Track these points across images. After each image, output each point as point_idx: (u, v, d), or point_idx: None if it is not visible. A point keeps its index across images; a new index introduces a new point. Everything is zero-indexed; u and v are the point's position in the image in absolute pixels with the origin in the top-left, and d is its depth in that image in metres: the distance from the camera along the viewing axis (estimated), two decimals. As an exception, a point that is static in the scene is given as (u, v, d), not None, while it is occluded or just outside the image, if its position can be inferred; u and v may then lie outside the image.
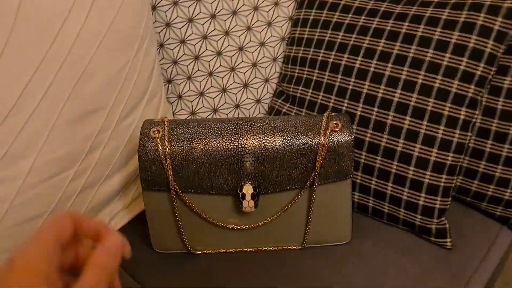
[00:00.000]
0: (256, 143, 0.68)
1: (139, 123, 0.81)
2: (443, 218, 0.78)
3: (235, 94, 0.96)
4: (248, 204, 0.69)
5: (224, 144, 0.68)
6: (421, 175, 0.76)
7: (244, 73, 0.96)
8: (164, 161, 0.68)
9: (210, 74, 0.95)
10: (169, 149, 0.68)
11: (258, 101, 0.98)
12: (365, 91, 0.80)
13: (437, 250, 0.78)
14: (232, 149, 0.68)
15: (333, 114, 0.72)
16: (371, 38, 0.81)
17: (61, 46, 0.66)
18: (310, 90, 0.87)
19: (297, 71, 0.91)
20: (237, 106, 0.97)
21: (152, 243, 0.77)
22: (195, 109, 0.96)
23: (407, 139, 0.76)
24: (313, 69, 0.87)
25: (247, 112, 0.97)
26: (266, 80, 0.98)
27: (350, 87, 0.81)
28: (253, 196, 0.68)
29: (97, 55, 0.71)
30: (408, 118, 0.76)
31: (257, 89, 0.97)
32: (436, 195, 0.76)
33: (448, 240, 0.78)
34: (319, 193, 0.71)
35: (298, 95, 0.89)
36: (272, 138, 0.69)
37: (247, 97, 0.97)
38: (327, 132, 0.68)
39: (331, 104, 0.83)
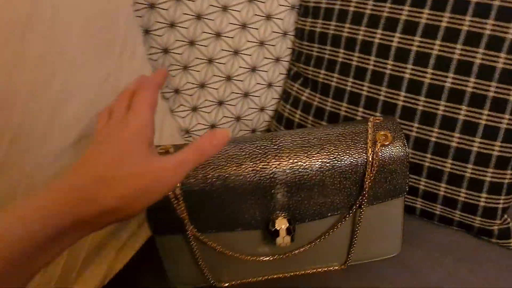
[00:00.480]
0: (288, 171, 0.55)
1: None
2: (506, 217, 0.67)
3: (242, 81, 0.80)
4: (283, 240, 0.57)
5: (248, 175, 0.55)
6: (481, 173, 0.64)
7: (251, 55, 0.79)
8: (176, 204, 0.55)
9: (210, 61, 0.78)
10: (180, 188, 0.54)
11: (269, 85, 0.83)
12: (407, 76, 0.65)
13: (501, 253, 0.68)
14: (259, 181, 0.55)
15: (378, 118, 0.58)
16: (411, 7, 0.65)
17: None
18: (336, 75, 0.72)
19: (315, 49, 0.75)
20: (245, 95, 0.82)
21: (169, 279, 0.66)
22: (196, 103, 0.81)
23: (463, 132, 0.63)
24: (337, 48, 0.72)
25: (258, 100, 0.83)
26: (277, 60, 0.82)
27: (388, 71, 0.67)
28: (288, 231, 0.56)
29: (73, 72, 0.55)
30: (464, 107, 0.63)
31: (267, 71, 0.82)
32: (499, 194, 0.65)
33: (511, 240, 0.67)
34: (367, 214, 0.58)
35: (320, 80, 0.74)
36: (306, 162, 0.55)
37: (256, 83, 0.82)
38: (376, 147, 0.55)
39: (364, 93, 0.69)
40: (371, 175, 0.55)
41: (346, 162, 0.55)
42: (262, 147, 0.56)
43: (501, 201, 0.65)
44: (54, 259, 0.35)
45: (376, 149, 0.55)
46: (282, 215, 0.56)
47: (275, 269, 0.64)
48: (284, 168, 0.55)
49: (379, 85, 0.67)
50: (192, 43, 0.77)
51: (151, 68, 0.74)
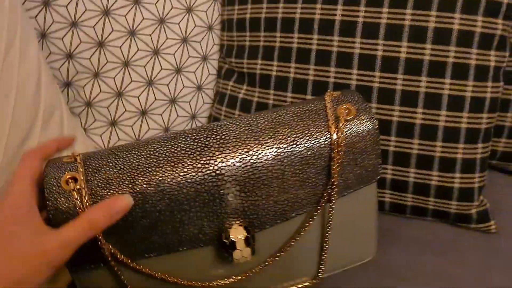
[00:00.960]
0: (237, 164, 0.44)
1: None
2: (482, 198, 0.60)
3: (167, 85, 0.69)
4: (242, 254, 0.44)
5: (188, 175, 0.43)
6: (452, 150, 0.57)
7: (173, 54, 0.68)
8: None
9: (126, 64, 0.66)
10: (90, 201, 0.41)
11: (199, 88, 0.72)
12: (357, 51, 0.57)
13: (482, 240, 0.61)
14: (203, 181, 0.43)
15: (335, 93, 0.49)
16: (350, -25, 0.58)
17: None
18: (275, 62, 0.63)
19: (248, 38, 0.66)
20: (172, 101, 0.70)
21: None
22: (115, 116, 0.67)
23: (426, 107, 0.56)
24: (272, 32, 0.63)
25: (188, 106, 0.71)
26: (204, 58, 0.71)
27: (335, 48, 0.58)
28: (247, 242, 0.44)
29: None
30: (424, 78, 0.56)
31: (194, 72, 0.71)
32: (473, 172, 0.58)
33: (492, 222, 0.60)
34: (337, 210, 0.48)
35: (258, 71, 0.64)
36: (259, 150, 0.44)
37: (183, 86, 0.70)
38: (339, 124, 0.45)
39: (310, 77, 0.60)
40: (338, 157, 0.45)
41: (306, 145, 0.45)
42: (202, 139, 0.44)
43: (476, 180, 0.58)
44: None
45: (340, 125, 0.45)
46: (237, 222, 0.44)
47: None
48: (232, 161, 0.43)
49: (326, 66, 0.59)
50: (101, 44, 0.64)
51: (50, 71, 0.60)
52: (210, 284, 0.47)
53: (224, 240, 0.44)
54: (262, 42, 0.64)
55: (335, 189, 0.45)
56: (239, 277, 0.47)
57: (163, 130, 0.70)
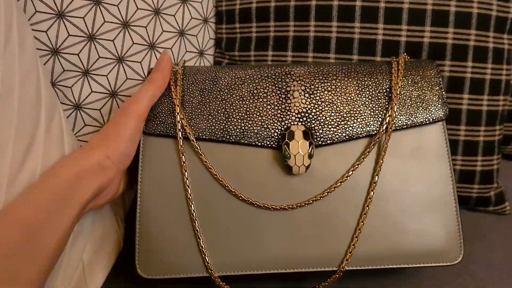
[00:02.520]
0: (305, 70, 0.47)
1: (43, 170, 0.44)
2: (498, 180, 0.62)
3: (164, 83, 0.62)
4: (299, 147, 0.43)
5: (262, 71, 0.47)
6: (474, 133, 0.57)
7: (171, 48, 0.62)
8: (174, 87, 0.47)
9: (121, 60, 0.59)
10: (182, 78, 0.48)
11: (196, 86, 0.66)
12: (356, 36, 0.56)
13: (500, 221, 0.62)
14: (274, 77, 0.47)
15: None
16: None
17: None
18: (289, 53, 0.59)
19: (254, 29, 0.62)
20: (170, 101, 0.63)
21: (137, 258, 0.45)
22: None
23: (448, 91, 0.56)
24: (285, 22, 0.59)
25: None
26: (201, 54, 0.66)
27: (333, 34, 0.57)
28: (306, 135, 0.43)
29: None
30: (447, 62, 0.56)
31: (192, 68, 0.65)
32: (493, 153, 0.59)
33: (507, 203, 0.62)
34: (397, 144, 0.45)
35: (270, 63, 0.60)
36: (327, 67, 0.48)
37: (181, 84, 0.64)
38: (400, 62, 0.47)
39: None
40: (400, 71, 0.46)
41: (369, 65, 0.48)
42: (279, 66, 0.48)
43: (495, 161, 0.59)
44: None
45: (401, 57, 0.48)
46: (300, 123, 0.45)
47: (279, 253, 0.45)
48: (303, 67, 0.47)
49: (349, 54, 0.57)
50: (92, 38, 0.56)
51: (45, 69, 0.52)
52: (256, 202, 0.44)
53: (285, 132, 0.44)
54: (273, 33, 0.60)
55: (396, 106, 0.44)
56: (287, 206, 0.44)
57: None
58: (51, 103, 0.48)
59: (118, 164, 0.44)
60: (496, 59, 0.56)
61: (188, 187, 0.45)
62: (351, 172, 0.44)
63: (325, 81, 0.46)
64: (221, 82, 0.47)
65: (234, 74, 0.47)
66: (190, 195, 0.45)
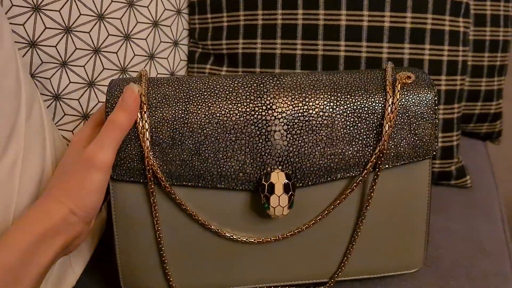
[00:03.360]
0: (289, 104, 0.43)
1: (27, 166, 0.46)
2: (458, 156, 0.66)
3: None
4: (279, 201, 0.42)
5: (240, 106, 0.43)
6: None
7: (145, 39, 0.65)
8: (141, 134, 0.42)
9: (97, 51, 0.61)
10: (149, 114, 0.43)
11: (172, 74, 0.69)
12: (343, 23, 0.59)
13: (461, 194, 0.66)
14: (253, 112, 0.43)
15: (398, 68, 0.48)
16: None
17: None
18: (259, 40, 0.62)
19: (225, 19, 0.65)
20: (147, 90, 0.66)
21: (121, 277, 0.48)
22: (86, 109, 0.62)
23: (410, 72, 0.60)
24: (254, 11, 0.62)
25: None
26: (176, 44, 0.69)
27: (321, 22, 0.60)
28: (286, 188, 0.42)
29: None
30: (406, 45, 0.59)
31: (167, 58, 0.67)
32: (452, 130, 0.63)
33: (468, 177, 0.66)
34: (383, 185, 0.45)
35: (240, 51, 0.64)
36: (313, 97, 0.44)
37: (157, 73, 0.67)
38: (396, 84, 0.44)
39: (298, 52, 0.61)
40: (391, 116, 0.43)
41: (361, 98, 0.44)
42: (260, 78, 0.45)
43: (454, 138, 0.63)
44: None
45: (398, 86, 0.44)
46: (280, 168, 0.43)
47: (256, 276, 0.48)
48: (285, 99, 0.43)
49: (314, 40, 0.60)
50: (68, 30, 0.59)
51: (19, 60, 0.54)
52: (234, 237, 0.45)
53: (264, 182, 0.43)
54: (243, 22, 0.63)
55: (384, 151, 0.43)
56: (266, 239, 0.46)
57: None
58: (30, 93, 0.50)
59: (85, 218, 0.41)
60: (452, 41, 0.60)
61: (159, 227, 0.44)
62: (332, 209, 0.45)
63: (310, 117, 0.43)
64: (192, 120, 0.43)
65: (207, 108, 0.43)
66: (161, 235, 0.45)
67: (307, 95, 0.44)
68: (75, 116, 0.61)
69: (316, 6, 0.59)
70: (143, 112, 0.42)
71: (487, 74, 0.71)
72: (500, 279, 0.53)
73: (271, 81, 0.44)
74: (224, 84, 0.44)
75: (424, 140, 0.45)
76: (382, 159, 0.44)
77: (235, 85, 0.44)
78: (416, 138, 0.45)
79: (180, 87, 0.44)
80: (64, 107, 0.61)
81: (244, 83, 0.44)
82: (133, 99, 0.41)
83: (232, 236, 0.45)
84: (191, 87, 0.44)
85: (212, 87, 0.44)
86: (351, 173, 0.44)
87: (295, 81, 0.45)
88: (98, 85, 0.62)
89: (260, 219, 0.45)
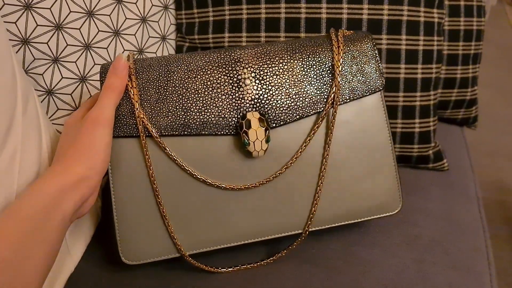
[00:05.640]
0: (253, 56, 0.50)
1: (26, 158, 0.48)
2: (435, 140, 0.69)
3: (130, 67, 0.67)
4: (256, 134, 0.47)
5: (213, 62, 0.50)
6: (411, 98, 0.64)
7: (134, 34, 0.67)
8: (131, 92, 0.48)
9: (88, 47, 0.63)
10: (136, 76, 0.49)
11: (161, 69, 0.71)
12: (324, 16, 0.62)
13: (439, 176, 0.69)
14: (224, 66, 0.50)
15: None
16: None
17: None
18: (244, 34, 0.65)
19: (211, 14, 0.67)
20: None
21: (120, 248, 0.51)
22: (79, 103, 0.64)
23: (388, 61, 0.63)
24: (238, 5, 0.65)
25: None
26: (163, 38, 0.71)
27: (303, 15, 0.63)
28: (261, 122, 0.48)
29: None
30: (384, 36, 0.62)
31: (155, 53, 0.70)
32: (428, 116, 0.66)
33: (445, 161, 0.70)
34: (342, 118, 0.51)
35: (226, 44, 0.66)
36: (273, 51, 0.51)
37: (146, 67, 0.69)
38: (339, 34, 0.52)
39: (282, 45, 0.64)
40: (339, 55, 0.50)
41: (313, 48, 0.51)
42: (229, 48, 0.52)
43: (431, 123, 0.67)
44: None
45: (339, 34, 0.52)
46: (254, 109, 0.49)
47: (243, 224, 0.51)
48: (250, 52, 0.51)
49: (297, 33, 0.63)
50: (59, 27, 0.61)
51: (14, 57, 0.56)
52: (221, 185, 0.49)
53: (241, 121, 0.48)
54: (228, 16, 0.65)
55: (339, 84, 0.50)
56: (250, 185, 0.50)
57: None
58: (25, 88, 0.52)
59: (101, 172, 0.45)
60: (427, 31, 0.63)
61: (154, 180, 0.49)
62: (304, 147, 0.50)
63: (273, 65, 0.50)
64: (174, 77, 0.49)
65: (186, 67, 0.49)
66: (157, 188, 0.49)
67: (268, 50, 0.51)
68: (68, 111, 0.63)
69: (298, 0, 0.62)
70: (131, 75, 0.48)
71: (462, 62, 0.74)
72: (475, 254, 0.57)
73: (237, 48, 0.51)
74: (199, 53, 0.51)
75: (372, 76, 0.51)
76: (339, 91, 0.50)
77: (209, 52, 0.51)
78: (365, 76, 0.51)
79: (162, 58, 0.51)
80: (57, 102, 0.63)
81: (216, 51, 0.51)
82: (122, 66, 0.47)
83: (221, 184, 0.49)
84: (171, 57, 0.51)
85: (189, 55, 0.51)
86: (316, 110, 0.50)
87: (257, 45, 0.52)
88: (90, 80, 0.64)
89: (244, 164, 0.50)
